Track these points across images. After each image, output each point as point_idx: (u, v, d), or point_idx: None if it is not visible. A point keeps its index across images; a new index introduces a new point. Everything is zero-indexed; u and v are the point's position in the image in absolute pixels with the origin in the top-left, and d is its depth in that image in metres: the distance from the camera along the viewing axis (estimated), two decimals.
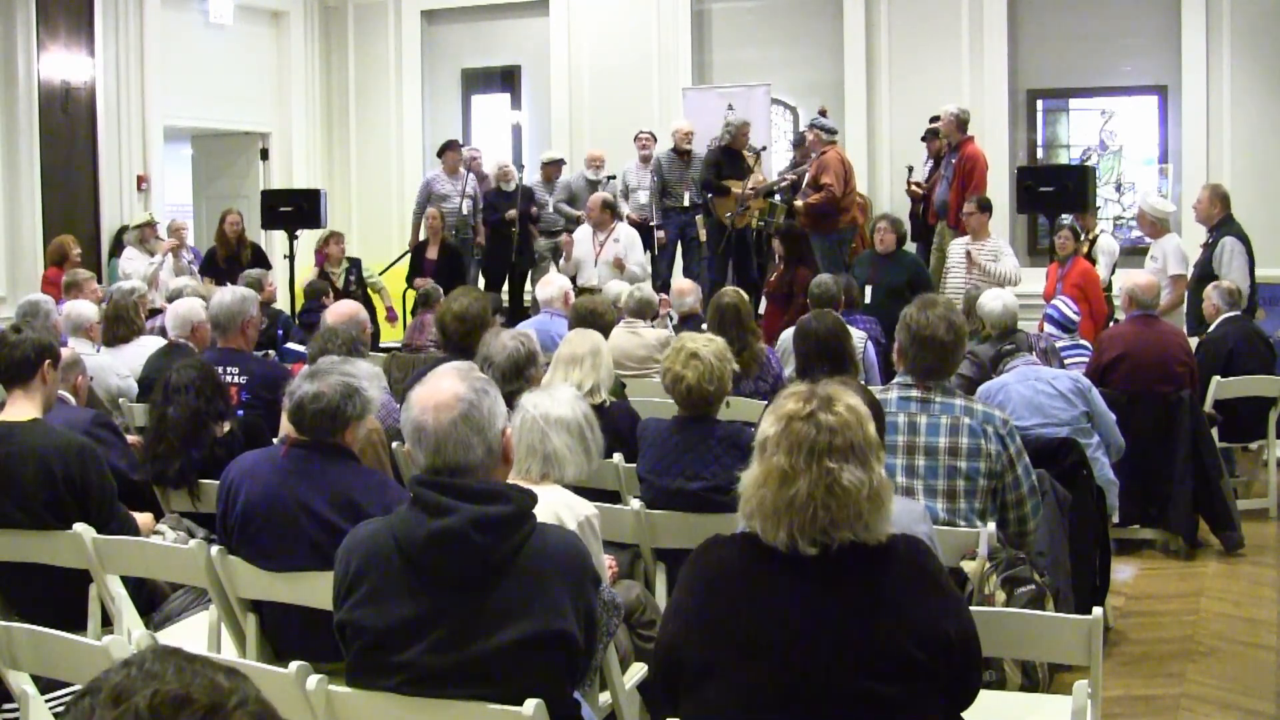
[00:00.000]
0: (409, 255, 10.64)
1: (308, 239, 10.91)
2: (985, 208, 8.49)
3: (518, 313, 10.43)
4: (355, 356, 4.29)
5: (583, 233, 9.54)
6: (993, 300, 6.03)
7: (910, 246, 9.97)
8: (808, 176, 9.51)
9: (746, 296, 6.42)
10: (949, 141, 9.32)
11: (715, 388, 4.01)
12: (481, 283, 10.77)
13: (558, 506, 3.07)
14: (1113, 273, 8.65)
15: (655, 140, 10.58)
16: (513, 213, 10.49)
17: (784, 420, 2.20)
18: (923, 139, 10.05)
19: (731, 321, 5.79)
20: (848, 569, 2.15)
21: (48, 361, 3.98)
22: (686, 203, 10.23)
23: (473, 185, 10.79)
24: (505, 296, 10.95)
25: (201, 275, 9.60)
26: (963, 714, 2.33)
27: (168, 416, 4.31)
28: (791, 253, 8.53)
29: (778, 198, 9.99)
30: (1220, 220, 7.88)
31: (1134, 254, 9.12)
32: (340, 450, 3.32)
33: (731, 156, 9.96)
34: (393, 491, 3.31)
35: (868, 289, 8.11)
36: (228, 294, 5.32)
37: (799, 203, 9.35)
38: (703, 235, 10.29)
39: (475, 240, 10.79)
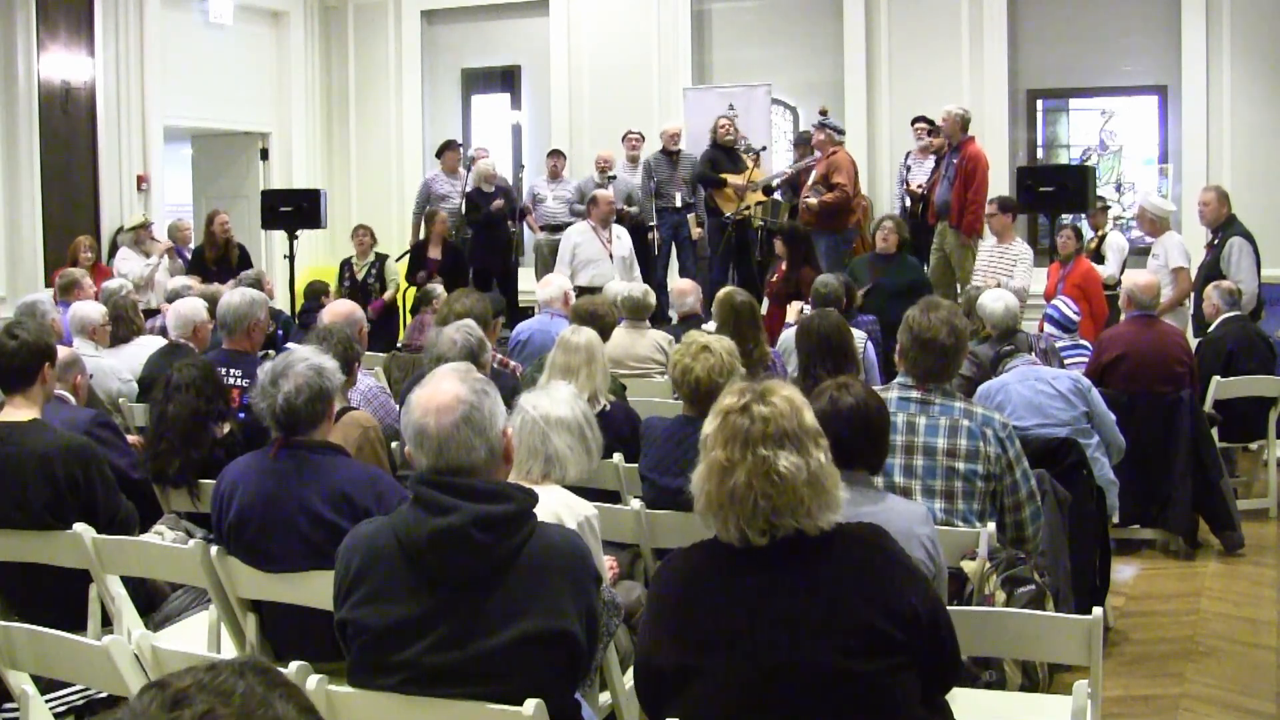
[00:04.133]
0: (409, 255, 10.64)
1: (308, 239, 10.93)
2: (1007, 208, 8.43)
3: (512, 312, 10.42)
4: (350, 356, 4.31)
5: (586, 232, 9.52)
6: (994, 301, 6.01)
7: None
8: (815, 175, 9.49)
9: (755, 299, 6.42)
10: (950, 141, 9.32)
11: (725, 382, 4.00)
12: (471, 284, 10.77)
13: (557, 506, 3.07)
14: (1123, 270, 8.67)
15: (644, 140, 10.60)
16: (499, 203, 10.50)
17: (720, 415, 2.27)
18: (913, 123, 10.07)
19: (748, 321, 5.78)
20: (804, 553, 2.19)
21: (46, 364, 3.98)
22: (678, 203, 10.24)
23: (473, 185, 10.79)
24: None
25: (188, 275, 9.59)
26: (945, 697, 2.35)
27: (168, 415, 4.30)
28: (795, 253, 8.53)
29: (778, 195, 10.00)
30: (1225, 221, 7.89)
31: (1139, 254, 9.12)
32: (328, 446, 3.34)
33: (726, 152, 9.97)
34: (385, 483, 3.33)
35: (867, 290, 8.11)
36: (236, 295, 5.29)
37: (812, 200, 9.31)
38: (695, 234, 10.30)
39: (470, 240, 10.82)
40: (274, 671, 1.26)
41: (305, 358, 3.34)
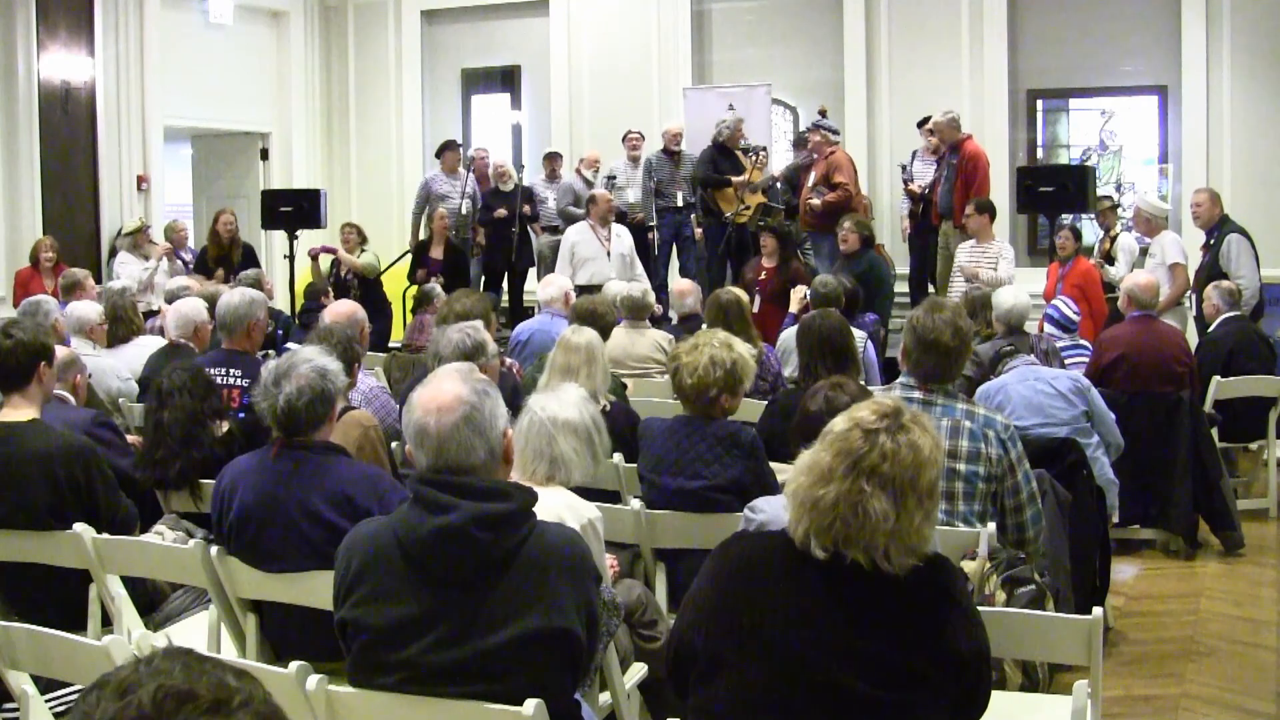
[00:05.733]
0: (410, 255, 10.65)
1: (308, 239, 10.94)
2: (984, 209, 8.49)
3: (518, 313, 10.43)
4: (350, 356, 4.31)
5: (584, 231, 9.54)
6: (1007, 296, 6.00)
7: (902, 248, 10.05)
8: (815, 176, 9.49)
9: (745, 296, 6.45)
10: (946, 143, 9.32)
11: (718, 390, 3.97)
12: (481, 283, 10.79)
13: (561, 509, 3.06)
14: (1131, 271, 8.66)
15: (644, 139, 10.60)
16: (501, 211, 10.51)
17: (850, 424, 2.18)
18: (919, 125, 10.07)
19: (736, 318, 5.80)
20: (868, 578, 2.14)
21: (42, 363, 3.98)
22: (680, 202, 10.24)
23: (472, 185, 10.80)
24: (505, 297, 10.95)
25: (194, 273, 9.68)
26: None
27: (164, 422, 4.28)
28: (786, 249, 8.56)
29: (778, 186, 10.00)
30: (1219, 220, 7.90)
31: (1145, 254, 9.11)
32: (329, 447, 3.34)
33: (726, 154, 9.98)
34: (386, 484, 3.33)
35: None
36: (235, 295, 5.28)
37: (815, 201, 9.31)
38: (698, 234, 10.29)
39: (475, 240, 10.82)
40: (196, 651, 1.32)
41: (309, 359, 3.33)
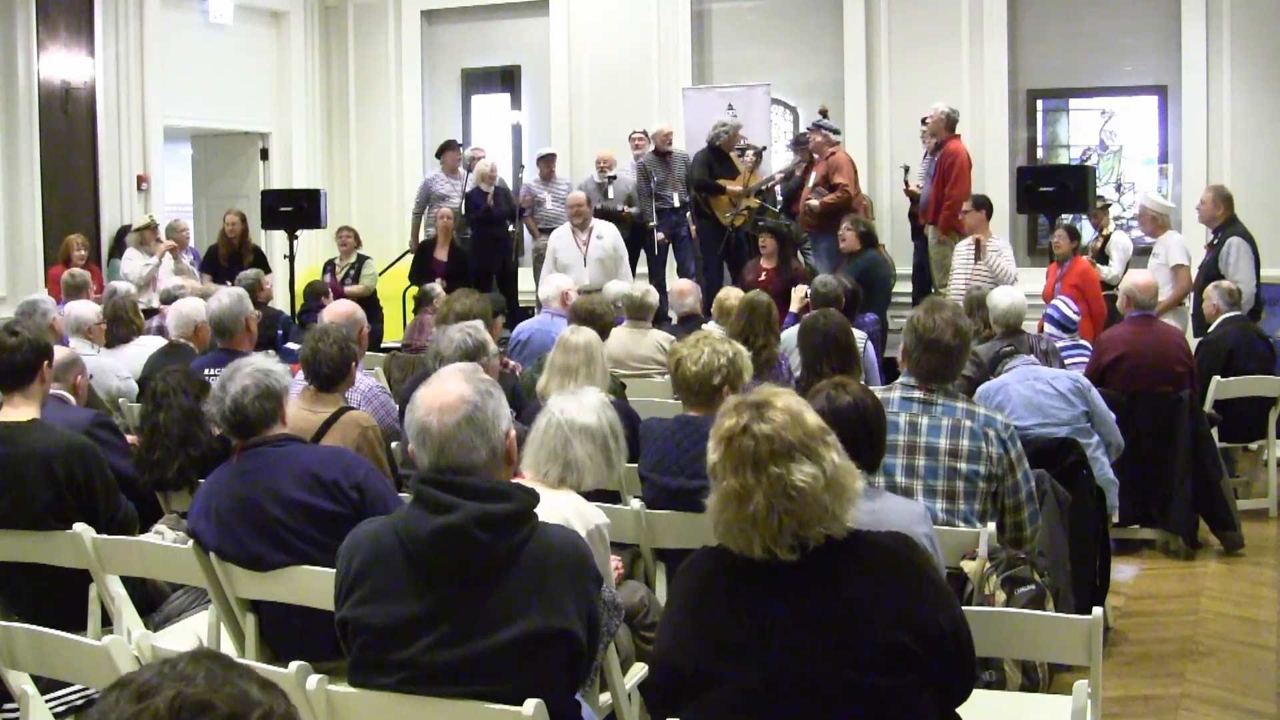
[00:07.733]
0: (413, 256, 10.64)
1: (308, 239, 10.94)
2: (980, 205, 8.41)
3: (512, 313, 10.42)
4: (347, 355, 4.32)
5: (565, 236, 9.49)
6: (1002, 296, 6.00)
7: (908, 247, 10.04)
8: (815, 177, 9.48)
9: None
10: (935, 140, 9.33)
11: (721, 380, 3.99)
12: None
13: (569, 513, 3.05)
14: (1126, 270, 8.66)
15: (649, 139, 10.58)
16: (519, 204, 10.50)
17: (724, 441, 2.20)
18: (923, 122, 10.03)
19: (763, 322, 5.77)
20: (830, 566, 2.15)
21: (45, 362, 3.99)
22: (675, 203, 10.23)
23: (472, 185, 10.79)
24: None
25: (201, 273, 9.71)
26: (958, 709, 2.33)
27: (160, 424, 4.29)
28: (785, 250, 8.55)
29: (778, 190, 9.98)
30: (1225, 221, 7.90)
31: (1142, 254, 9.09)
32: (285, 438, 3.41)
33: (721, 157, 9.97)
34: (350, 457, 3.41)
35: None
36: (225, 297, 5.33)
37: (814, 202, 9.30)
38: (693, 233, 10.28)
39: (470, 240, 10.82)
40: (226, 657, 1.30)
41: (251, 362, 3.45)
